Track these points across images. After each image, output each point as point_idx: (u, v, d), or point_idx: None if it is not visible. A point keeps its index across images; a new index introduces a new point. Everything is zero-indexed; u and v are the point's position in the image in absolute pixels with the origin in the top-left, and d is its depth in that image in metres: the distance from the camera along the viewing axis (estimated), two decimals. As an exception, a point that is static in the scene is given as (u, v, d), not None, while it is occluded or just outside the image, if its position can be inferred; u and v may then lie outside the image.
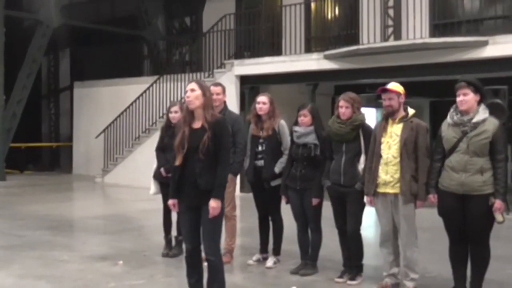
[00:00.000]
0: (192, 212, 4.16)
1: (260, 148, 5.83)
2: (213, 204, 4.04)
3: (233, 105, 11.65)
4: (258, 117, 5.85)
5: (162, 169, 6.17)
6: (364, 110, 5.33)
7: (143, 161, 13.11)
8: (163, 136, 6.35)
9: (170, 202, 4.29)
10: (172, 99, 13.27)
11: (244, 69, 12.84)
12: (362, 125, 5.12)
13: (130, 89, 15.24)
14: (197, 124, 4.17)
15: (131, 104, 14.68)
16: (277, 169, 5.68)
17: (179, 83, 13.57)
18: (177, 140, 4.17)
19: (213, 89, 5.60)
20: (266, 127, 5.78)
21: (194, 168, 4.08)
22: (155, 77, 14.73)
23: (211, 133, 4.07)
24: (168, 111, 6.33)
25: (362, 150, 5.06)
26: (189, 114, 4.20)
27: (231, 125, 5.33)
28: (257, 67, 12.57)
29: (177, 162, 4.14)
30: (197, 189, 4.09)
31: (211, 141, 4.05)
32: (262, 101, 5.79)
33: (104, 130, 15.22)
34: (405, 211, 4.75)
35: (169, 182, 4.49)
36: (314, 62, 11.76)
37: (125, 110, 14.82)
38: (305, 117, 5.45)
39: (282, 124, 5.82)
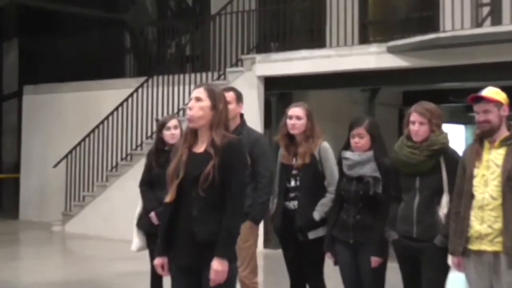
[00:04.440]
0: (189, 276, 4.15)
1: (293, 182, 5.82)
2: (217, 266, 4.01)
3: (254, 120, 11.58)
4: (290, 137, 5.85)
5: (152, 214, 6.17)
6: (446, 127, 5.35)
7: (122, 202, 13.12)
8: (151, 165, 6.37)
9: (157, 261, 4.31)
10: (165, 112, 13.31)
11: (271, 68, 12.81)
12: (444, 150, 5.11)
13: (104, 97, 15.31)
14: (199, 147, 4.23)
15: (107, 117, 14.71)
16: (318, 214, 5.66)
17: (175, 88, 13.63)
18: (171, 167, 4.24)
19: None
20: (301, 152, 5.78)
21: (190, 210, 4.12)
22: (142, 79, 14.78)
23: (219, 161, 4.11)
24: (162, 127, 6.38)
25: (444, 187, 5.06)
26: (191, 133, 4.28)
27: (249, 150, 5.37)
28: (289, 65, 12.52)
29: (168, 198, 4.19)
30: (193, 242, 4.10)
31: (217, 172, 4.09)
32: (296, 115, 5.80)
33: (66, 156, 15.28)
34: (511, 278, 4.64)
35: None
36: (373, 57, 11.72)
37: (97, 126, 14.85)
38: (360, 138, 5.46)
39: (325, 147, 5.83)
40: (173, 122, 6.31)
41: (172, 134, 6.26)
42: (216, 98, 4.25)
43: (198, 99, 4.22)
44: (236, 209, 4.13)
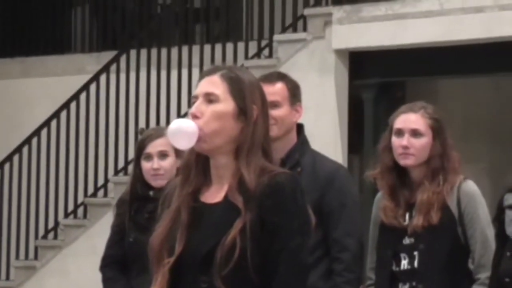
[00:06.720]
0: None
1: (405, 262, 4.69)
2: None
3: (328, 137, 8.97)
4: (400, 173, 4.75)
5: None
6: None
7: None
8: (123, 226, 5.13)
9: None
10: (153, 120, 10.46)
11: (362, 34, 9.54)
12: None
13: (33, 89, 12.23)
14: (214, 194, 3.12)
15: (37, 132, 11.26)
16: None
17: (174, 73, 10.70)
18: (157, 233, 3.18)
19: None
20: (422, 203, 4.58)
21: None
22: (106, 55, 11.56)
23: (253, 220, 3.00)
24: (140, 152, 5.04)
25: None
26: (197, 165, 3.15)
27: (317, 197, 4.30)
28: (400, 29, 9.16)
29: None
30: None
31: (250, 241, 2.99)
32: (411, 128, 4.67)
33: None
34: None
35: None
36: None
37: (19, 149, 11.37)
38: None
39: (470, 192, 4.65)
40: (157, 145, 4.88)
41: (154, 168, 4.83)
42: (245, 94, 3.04)
43: (210, 97, 3.02)
44: None
